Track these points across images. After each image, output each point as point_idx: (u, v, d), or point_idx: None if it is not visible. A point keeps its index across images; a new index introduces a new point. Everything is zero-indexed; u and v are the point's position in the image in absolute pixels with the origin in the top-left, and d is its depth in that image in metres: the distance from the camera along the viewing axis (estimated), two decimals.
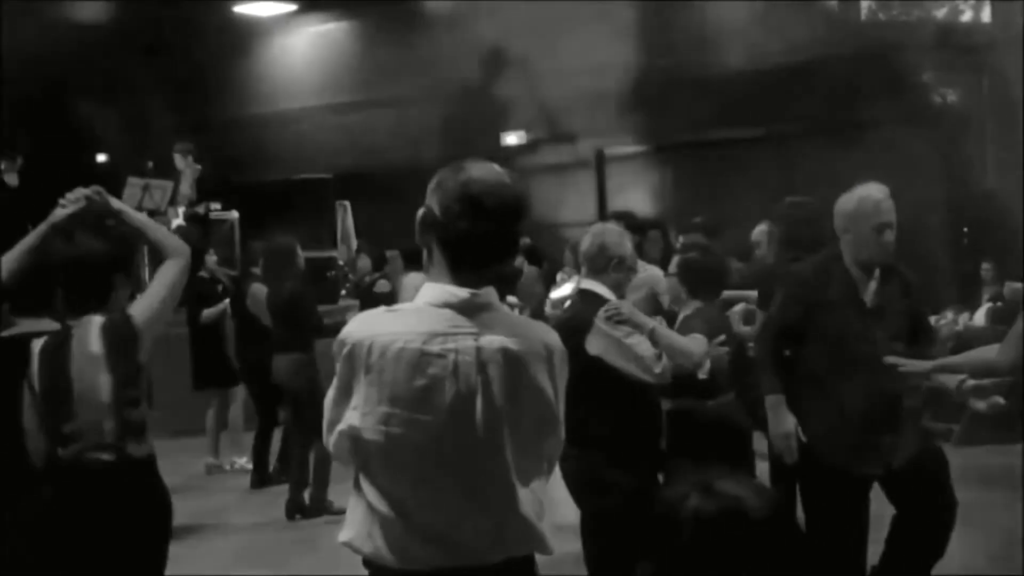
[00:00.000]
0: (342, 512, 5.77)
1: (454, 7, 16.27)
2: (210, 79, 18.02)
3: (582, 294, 5.62)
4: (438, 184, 3.03)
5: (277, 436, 9.89)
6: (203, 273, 10.70)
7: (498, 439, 2.99)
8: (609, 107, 15.60)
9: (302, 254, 9.36)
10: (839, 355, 5.26)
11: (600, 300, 5.46)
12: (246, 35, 18.85)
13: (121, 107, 16.95)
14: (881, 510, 5.47)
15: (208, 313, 10.41)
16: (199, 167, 14.95)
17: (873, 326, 5.26)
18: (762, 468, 6.09)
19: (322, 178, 16.49)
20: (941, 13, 14.78)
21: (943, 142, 14.03)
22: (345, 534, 3.07)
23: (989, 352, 4.79)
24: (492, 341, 3.00)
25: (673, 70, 15.11)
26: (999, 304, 11.39)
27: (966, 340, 10.24)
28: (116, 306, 4.41)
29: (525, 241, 10.74)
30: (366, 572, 3.07)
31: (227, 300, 10.43)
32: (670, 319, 6.19)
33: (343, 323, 3.23)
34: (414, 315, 3.02)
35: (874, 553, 5.51)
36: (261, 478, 9.81)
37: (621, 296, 5.61)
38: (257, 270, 9.74)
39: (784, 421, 5.35)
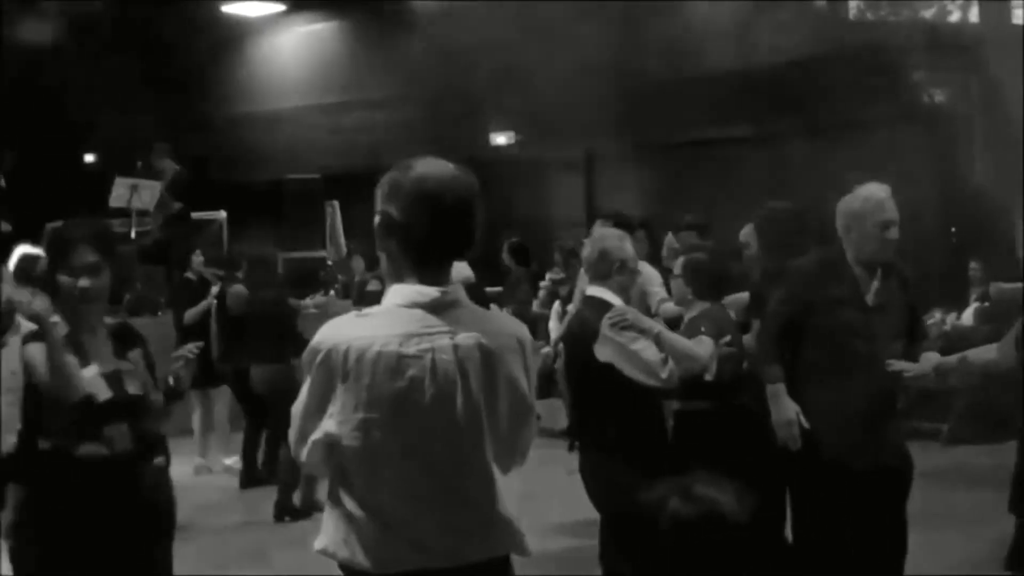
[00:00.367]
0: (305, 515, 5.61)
1: (442, 7, 16.28)
2: (199, 79, 17.99)
3: (588, 301, 5.61)
4: (392, 188, 3.02)
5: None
6: (189, 274, 10.64)
7: (479, 436, 2.98)
8: (598, 107, 15.60)
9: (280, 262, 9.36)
10: (840, 352, 5.32)
11: (606, 306, 5.46)
12: (234, 35, 18.82)
13: (109, 107, 16.91)
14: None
15: (191, 313, 10.32)
16: (178, 167, 14.92)
17: (874, 324, 5.31)
18: None
19: (311, 178, 16.47)
20: (929, 13, 14.80)
21: (931, 142, 14.06)
22: (320, 541, 3.04)
23: (988, 352, 4.84)
24: (467, 338, 2.99)
25: (662, 70, 15.10)
26: (987, 304, 11.40)
27: (954, 340, 10.27)
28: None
29: (513, 241, 10.73)
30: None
31: (212, 299, 10.37)
32: (671, 323, 6.22)
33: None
34: (386, 318, 2.99)
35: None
36: (250, 477, 9.79)
37: (627, 299, 5.64)
38: (240, 274, 9.74)
39: (786, 409, 5.38)
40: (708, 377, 5.79)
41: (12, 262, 6.74)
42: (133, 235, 14.04)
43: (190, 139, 17.15)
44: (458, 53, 16.14)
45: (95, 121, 17.19)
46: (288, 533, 8.42)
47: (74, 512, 4.14)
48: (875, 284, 5.35)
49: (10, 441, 4.30)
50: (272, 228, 15.41)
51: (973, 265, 12.07)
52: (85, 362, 4.23)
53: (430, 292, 2.99)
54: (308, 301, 9.82)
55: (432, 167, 3.03)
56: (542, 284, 11.97)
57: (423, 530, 2.95)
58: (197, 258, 10.79)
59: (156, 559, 4.40)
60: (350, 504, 2.97)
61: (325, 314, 9.37)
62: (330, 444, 2.96)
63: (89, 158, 19.33)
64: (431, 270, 3.02)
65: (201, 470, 10.41)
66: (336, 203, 16.31)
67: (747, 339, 6.17)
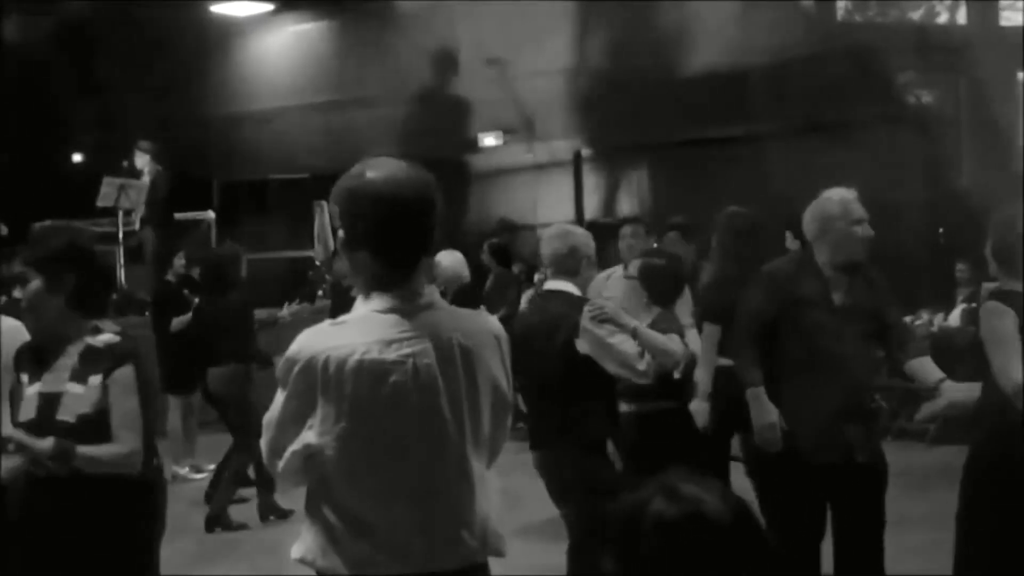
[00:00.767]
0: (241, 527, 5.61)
1: (431, 7, 16.26)
2: (187, 78, 17.94)
3: (549, 294, 5.62)
4: (349, 199, 2.98)
5: None
6: (169, 277, 10.50)
7: (461, 439, 2.96)
8: (586, 107, 15.62)
9: (245, 263, 9.25)
10: (809, 352, 5.38)
11: (571, 298, 5.51)
12: (223, 35, 18.78)
13: (97, 106, 16.88)
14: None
15: (177, 322, 10.03)
16: (160, 168, 14.87)
17: (843, 324, 5.39)
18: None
19: (299, 178, 16.44)
20: (917, 14, 14.85)
21: (919, 143, 14.09)
22: (297, 550, 3.01)
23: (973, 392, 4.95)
24: (447, 339, 2.96)
25: (650, 70, 15.11)
26: (974, 305, 11.42)
27: (941, 341, 10.29)
28: None
29: (494, 241, 10.73)
30: None
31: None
32: None
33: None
34: (362, 325, 2.95)
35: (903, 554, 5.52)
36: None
37: (585, 295, 5.68)
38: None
39: (767, 411, 5.43)
40: (676, 375, 5.93)
41: None
42: (121, 235, 14.01)
43: (178, 139, 17.12)
44: (446, 53, 16.16)
45: (83, 121, 17.16)
46: (263, 534, 8.44)
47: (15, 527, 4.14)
48: (843, 285, 5.43)
49: None
50: (260, 228, 15.41)
51: (960, 266, 12.08)
52: (36, 377, 4.14)
53: (404, 295, 2.96)
54: (284, 312, 9.66)
55: (385, 170, 2.98)
56: (536, 281, 11.95)
57: (405, 537, 2.92)
58: (179, 260, 10.62)
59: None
60: (330, 513, 2.93)
61: (302, 323, 9.28)
62: (309, 455, 2.91)
63: (77, 158, 19.27)
64: (402, 273, 2.98)
65: (176, 475, 10.14)
66: (324, 203, 16.20)
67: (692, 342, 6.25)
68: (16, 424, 4.08)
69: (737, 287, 6.20)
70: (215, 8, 18.22)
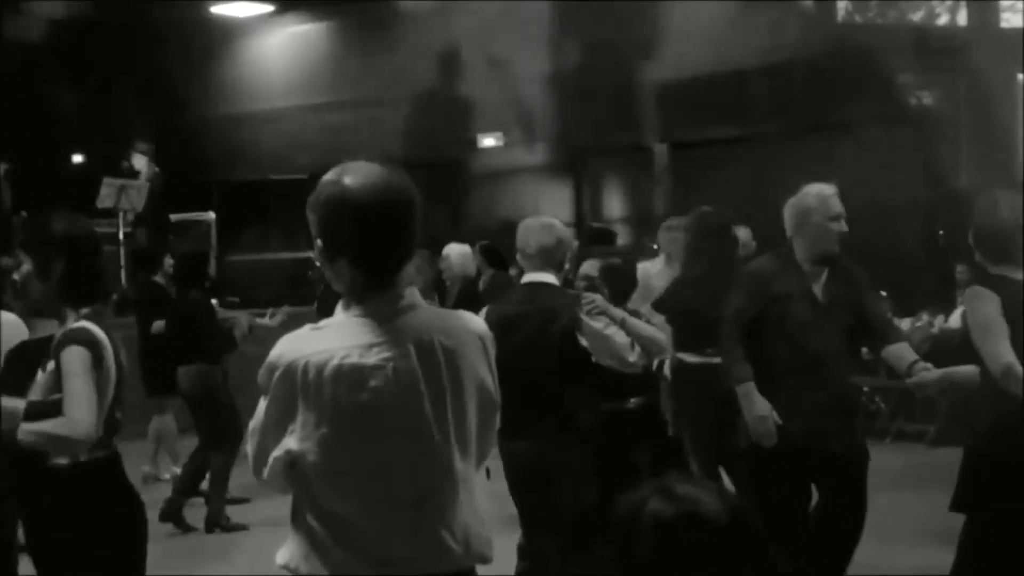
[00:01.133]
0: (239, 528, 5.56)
1: (431, 8, 16.27)
2: (187, 79, 17.95)
3: (537, 286, 5.64)
4: (326, 209, 2.94)
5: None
6: (158, 278, 10.40)
7: (445, 443, 2.92)
8: (586, 108, 15.61)
9: (213, 262, 9.19)
10: (793, 347, 5.51)
11: (561, 290, 5.65)
12: (223, 36, 18.79)
13: (96, 107, 16.89)
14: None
15: (158, 325, 9.70)
16: (158, 169, 14.87)
17: (824, 319, 5.53)
18: None
19: (299, 179, 16.44)
20: (917, 15, 14.85)
21: (919, 144, 14.09)
22: (282, 556, 2.97)
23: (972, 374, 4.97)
24: (428, 340, 2.92)
25: (651, 71, 15.13)
26: None
27: (941, 342, 10.29)
28: None
29: (484, 243, 10.72)
30: None
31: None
32: None
33: None
34: (342, 329, 2.92)
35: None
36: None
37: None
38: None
39: (759, 405, 5.53)
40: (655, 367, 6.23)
41: None
42: (121, 236, 14.02)
43: (178, 140, 17.13)
44: (447, 53, 16.17)
45: (83, 121, 17.16)
46: (220, 541, 8.42)
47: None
48: (823, 280, 5.58)
49: None
50: (260, 229, 15.43)
51: (960, 267, 12.08)
52: None
53: (386, 300, 2.93)
54: (265, 320, 9.57)
55: (364, 176, 2.92)
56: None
57: (387, 543, 2.89)
58: (168, 260, 10.54)
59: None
60: (312, 519, 2.90)
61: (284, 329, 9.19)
62: (291, 461, 2.88)
63: (77, 158, 19.27)
64: (383, 278, 2.94)
65: (148, 478, 9.97)
66: None
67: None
68: None
69: (702, 286, 6.61)
70: (215, 9, 18.23)
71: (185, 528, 8.60)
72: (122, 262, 13.91)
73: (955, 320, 11.52)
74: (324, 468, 2.86)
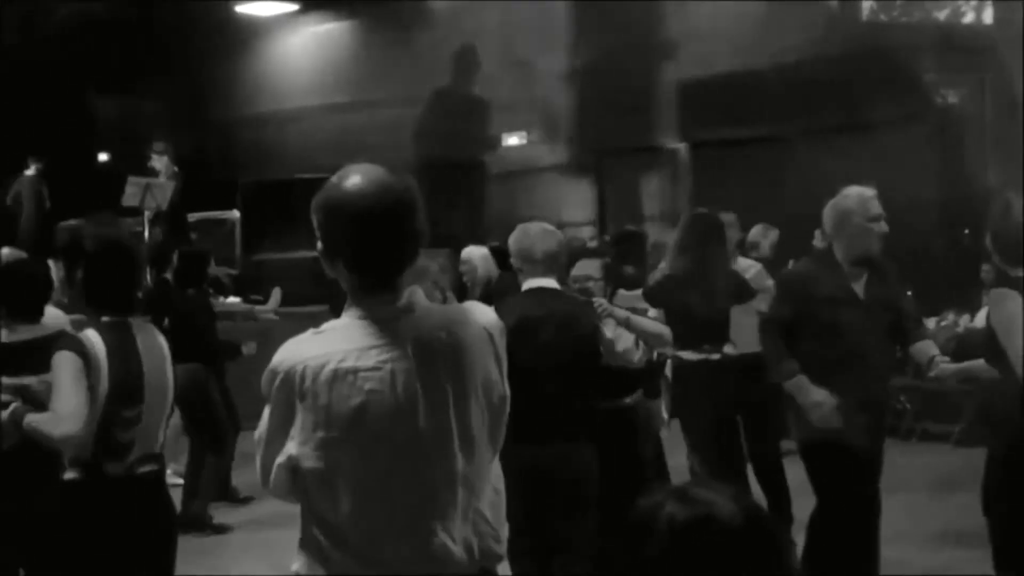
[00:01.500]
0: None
1: (454, 7, 16.29)
2: (211, 78, 18.02)
3: (545, 291, 5.63)
4: (326, 211, 2.92)
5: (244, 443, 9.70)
6: (168, 275, 10.41)
7: (447, 445, 2.88)
8: (608, 108, 15.60)
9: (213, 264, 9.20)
10: (837, 348, 5.52)
11: (566, 296, 5.73)
12: (247, 35, 18.86)
13: (121, 106, 16.97)
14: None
15: (166, 323, 9.88)
16: (176, 168, 14.91)
17: (867, 319, 5.56)
18: None
19: (324, 178, 16.43)
20: (943, 14, 14.78)
21: (944, 143, 14.04)
22: (294, 562, 2.96)
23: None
24: (429, 341, 2.89)
25: (673, 70, 15.12)
26: None
27: (966, 342, 10.24)
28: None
29: (493, 244, 10.74)
30: None
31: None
32: None
33: None
34: (341, 333, 2.89)
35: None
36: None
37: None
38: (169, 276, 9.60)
39: (814, 392, 5.53)
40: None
41: None
42: (147, 235, 14.07)
43: (202, 138, 17.20)
44: (469, 52, 16.19)
45: (108, 120, 17.25)
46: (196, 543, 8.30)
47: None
48: (863, 279, 5.62)
49: None
50: (284, 228, 15.47)
51: (986, 267, 12.03)
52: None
53: (386, 301, 2.90)
54: (266, 307, 9.56)
55: (361, 179, 2.90)
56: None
57: (387, 548, 2.87)
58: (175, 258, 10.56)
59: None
60: (314, 525, 2.90)
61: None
62: (293, 467, 2.86)
63: (103, 157, 19.37)
64: (381, 281, 2.91)
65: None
66: None
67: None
68: None
69: (686, 283, 6.69)
70: (240, 8, 18.29)
71: (215, 529, 8.58)
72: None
73: (980, 320, 11.47)
74: (321, 473, 2.84)
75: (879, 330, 5.61)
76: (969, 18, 14.77)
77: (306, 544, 2.93)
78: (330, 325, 2.95)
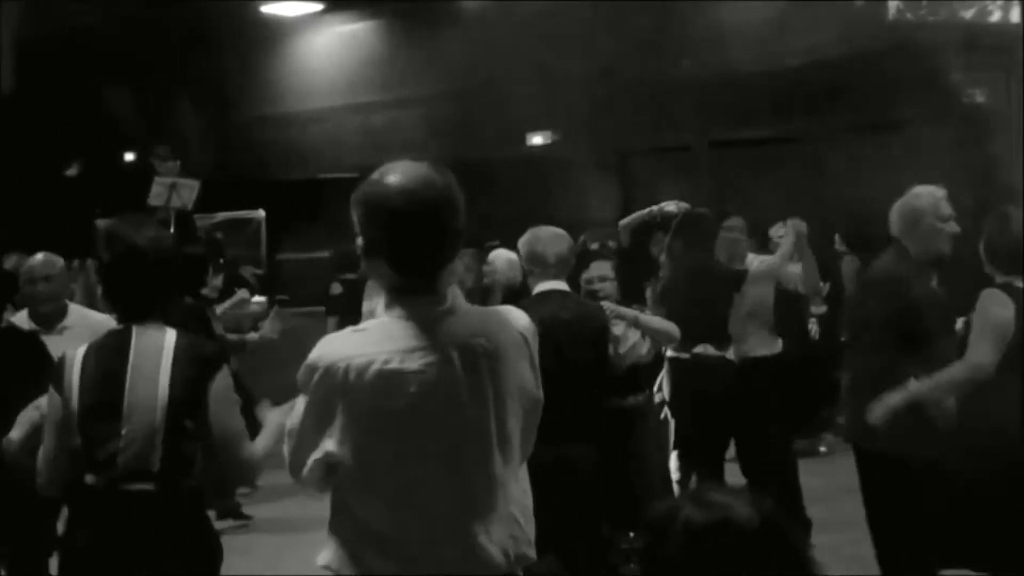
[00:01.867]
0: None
1: (479, 7, 16.29)
2: (236, 78, 18.08)
3: (559, 294, 5.72)
4: (367, 206, 2.93)
5: None
6: None
7: (487, 447, 2.89)
8: (632, 107, 15.58)
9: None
10: (929, 347, 5.38)
11: (580, 299, 5.94)
12: (272, 35, 18.91)
13: (147, 106, 17.02)
14: None
15: None
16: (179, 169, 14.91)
17: (946, 319, 5.60)
18: None
19: (349, 177, 16.50)
20: (969, 13, 14.70)
21: (971, 142, 13.97)
22: (323, 557, 2.96)
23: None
24: (470, 345, 2.89)
25: (699, 69, 15.08)
26: None
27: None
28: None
29: (493, 244, 10.75)
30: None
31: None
32: None
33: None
34: (383, 332, 2.89)
35: None
36: None
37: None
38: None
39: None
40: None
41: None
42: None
43: (228, 138, 17.25)
44: (494, 53, 16.18)
45: (134, 119, 17.30)
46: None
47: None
48: (935, 278, 5.66)
49: None
50: (310, 227, 15.50)
51: None
52: None
53: (427, 302, 2.90)
54: (253, 335, 9.58)
55: (403, 176, 2.90)
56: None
57: (425, 549, 2.87)
58: None
59: None
60: (351, 523, 2.90)
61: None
62: (330, 463, 2.87)
63: (129, 156, 19.46)
64: (423, 280, 2.91)
65: None
66: None
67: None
68: None
69: (676, 287, 6.94)
70: (265, 8, 18.34)
71: (243, 517, 8.99)
72: None
73: None
74: (361, 472, 2.85)
75: (952, 330, 5.58)
76: (995, 17, 14.69)
77: (338, 541, 2.93)
78: (370, 324, 2.96)
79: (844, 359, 6.95)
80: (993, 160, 13.99)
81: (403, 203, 2.86)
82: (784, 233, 8.77)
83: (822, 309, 10.29)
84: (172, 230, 14.03)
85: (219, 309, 9.51)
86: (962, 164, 13.71)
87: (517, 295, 9.38)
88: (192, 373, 3.88)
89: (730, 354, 7.14)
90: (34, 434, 4.13)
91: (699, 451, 7.14)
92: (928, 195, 5.58)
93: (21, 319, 6.37)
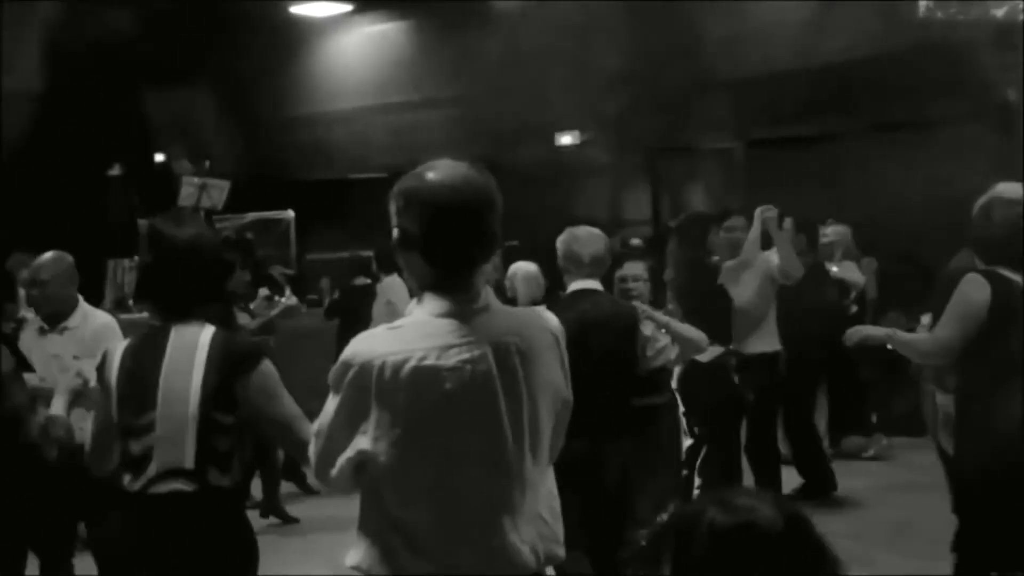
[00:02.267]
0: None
1: (509, 7, 16.30)
2: (266, 79, 18.14)
3: (593, 294, 5.85)
4: (405, 200, 2.95)
5: None
6: None
7: (520, 448, 2.90)
8: (663, 107, 15.56)
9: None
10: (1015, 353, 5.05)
11: (613, 298, 6.04)
12: (301, 35, 18.96)
13: (176, 107, 17.11)
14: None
15: None
16: (191, 167, 15.01)
17: None
18: None
19: (379, 177, 16.55)
20: (1000, 12, 14.62)
21: (1002, 141, 13.89)
22: (352, 557, 2.96)
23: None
24: (505, 343, 2.90)
25: (730, 69, 15.05)
26: None
27: None
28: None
29: (513, 244, 10.77)
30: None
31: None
32: None
33: None
34: (419, 329, 2.89)
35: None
36: None
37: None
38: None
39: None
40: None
41: None
42: None
43: (257, 138, 17.32)
44: (524, 52, 16.18)
45: (163, 120, 17.40)
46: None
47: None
48: None
49: None
50: (339, 227, 15.56)
51: None
52: None
53: (462, 299, 2.91)
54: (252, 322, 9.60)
55: (443, 173, 2.93)
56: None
57: (458, 547, 2.87)
58: None
59: None
60: (383, 521, 2.89)
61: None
62: (362, 462, 2.86)
63: (159, 157, 19.57)
64: (458, 278, 2.92)
65: None
66: None
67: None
68: None
69: (680, 289, 7.11)
70: (294, 9, 18.40)
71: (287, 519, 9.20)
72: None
73: None
74: (396, 470, 2.84)
75: None
76: None
77: (368, 541, 2.93)
78: (404, 321, 2.95)
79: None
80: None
81: (445, 198, 2.89)
82: (827, 232, 8.87)
83: (853, 309, 10.15)
84: None
85: (255, 317, 9.54)
86: (995, 161, 13.64)
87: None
88: (226, 369, 3.88)
89: (727, 350, 7.36)
90: (74, 400, 4.36)
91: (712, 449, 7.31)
92: (1009, 193, 5.25)
93: (33, 316, 6.61)
